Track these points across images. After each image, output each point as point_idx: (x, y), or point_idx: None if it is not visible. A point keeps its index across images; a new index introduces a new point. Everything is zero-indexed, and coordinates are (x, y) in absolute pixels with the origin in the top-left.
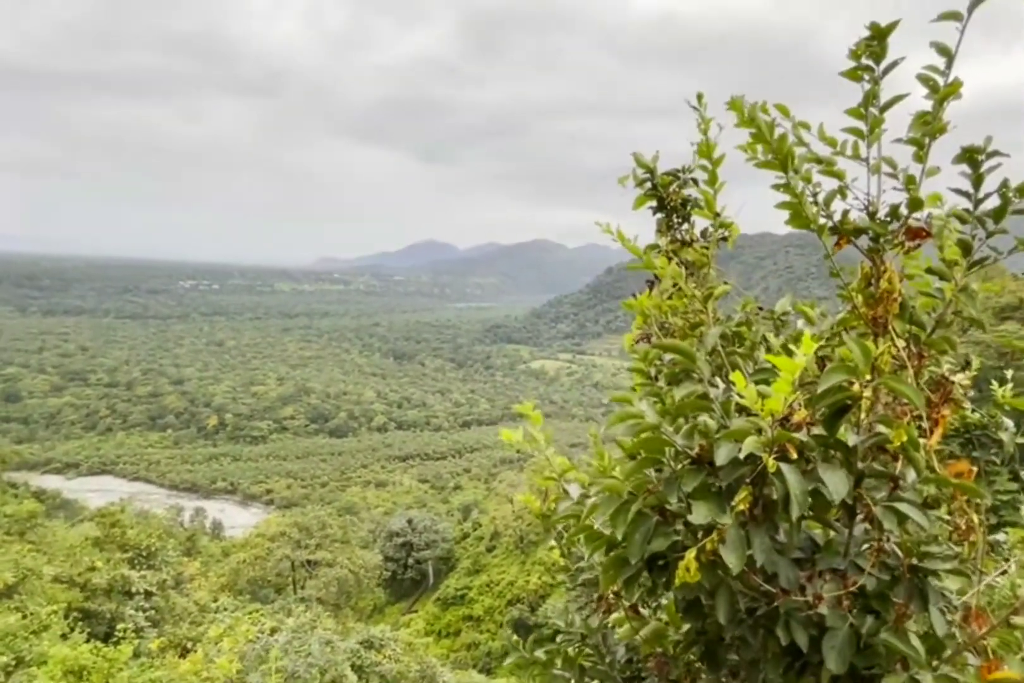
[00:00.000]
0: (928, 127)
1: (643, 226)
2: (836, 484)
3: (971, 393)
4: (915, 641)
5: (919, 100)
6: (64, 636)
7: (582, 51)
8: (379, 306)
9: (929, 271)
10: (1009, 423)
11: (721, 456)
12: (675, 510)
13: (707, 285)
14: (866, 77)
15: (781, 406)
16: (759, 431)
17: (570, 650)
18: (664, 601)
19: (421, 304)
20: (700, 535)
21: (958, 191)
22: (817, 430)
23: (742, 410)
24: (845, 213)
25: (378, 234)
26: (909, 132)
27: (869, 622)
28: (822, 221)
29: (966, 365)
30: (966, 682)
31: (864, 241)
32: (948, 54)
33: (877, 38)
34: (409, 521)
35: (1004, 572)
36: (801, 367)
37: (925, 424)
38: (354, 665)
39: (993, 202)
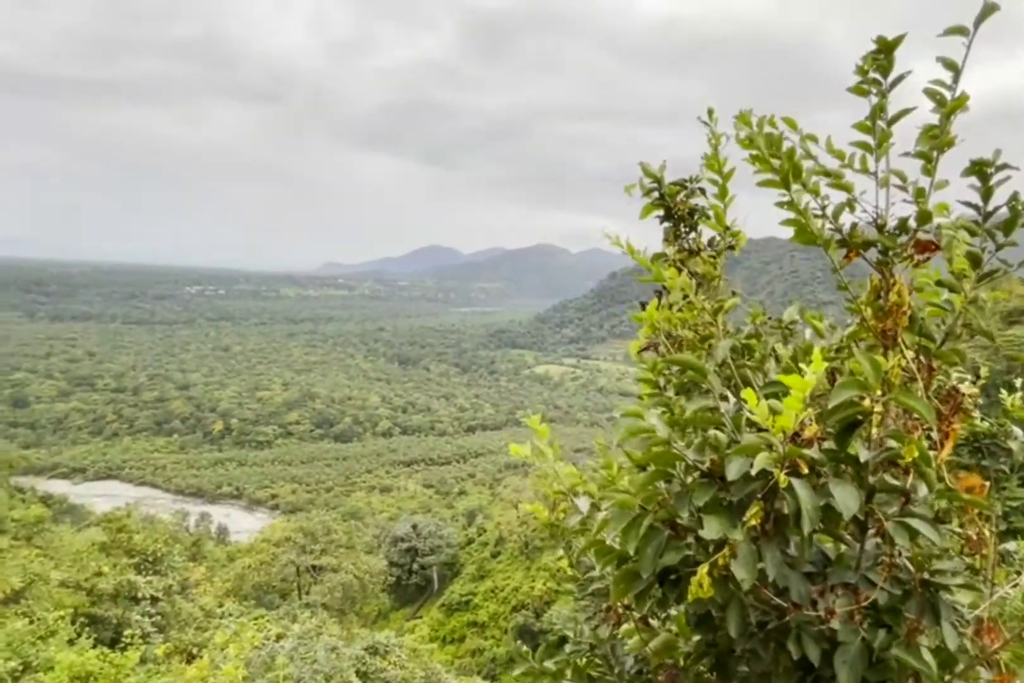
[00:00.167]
0: (936, 141)
1: (647, 230)
2: (847, 500)
3: (980, 400)
4: (927, 656)
5: (925, 102)
6: (71, 641)
7: (584, 54)
8: (384, 311)
9: (939, 283)
10: (1019, 432)
11: (732, 471)
12: (686, 524)
13: (717, 298)
14: (873, 91)
15: (792, 423)
16: (770, 447)
17: (579, 661)
18: (673, 612)
19: (425, 309)
20: (711, 549)
21: (967, 204)
22: (828, 444)
23: (752, 424)
24: (854, 226)
25: (382, 239)
26: (917, 145)
27: (881, 636)
28: (829, 235)
29: (976, 377)
30: None
31: (873, 254)
32: (955, 68)
33: (884, 52)
34: (414, 526)
35: (1015, 584)
36: (812, 386)
37: (935, 435)
38: (359, 671)
39: (1003, 214)
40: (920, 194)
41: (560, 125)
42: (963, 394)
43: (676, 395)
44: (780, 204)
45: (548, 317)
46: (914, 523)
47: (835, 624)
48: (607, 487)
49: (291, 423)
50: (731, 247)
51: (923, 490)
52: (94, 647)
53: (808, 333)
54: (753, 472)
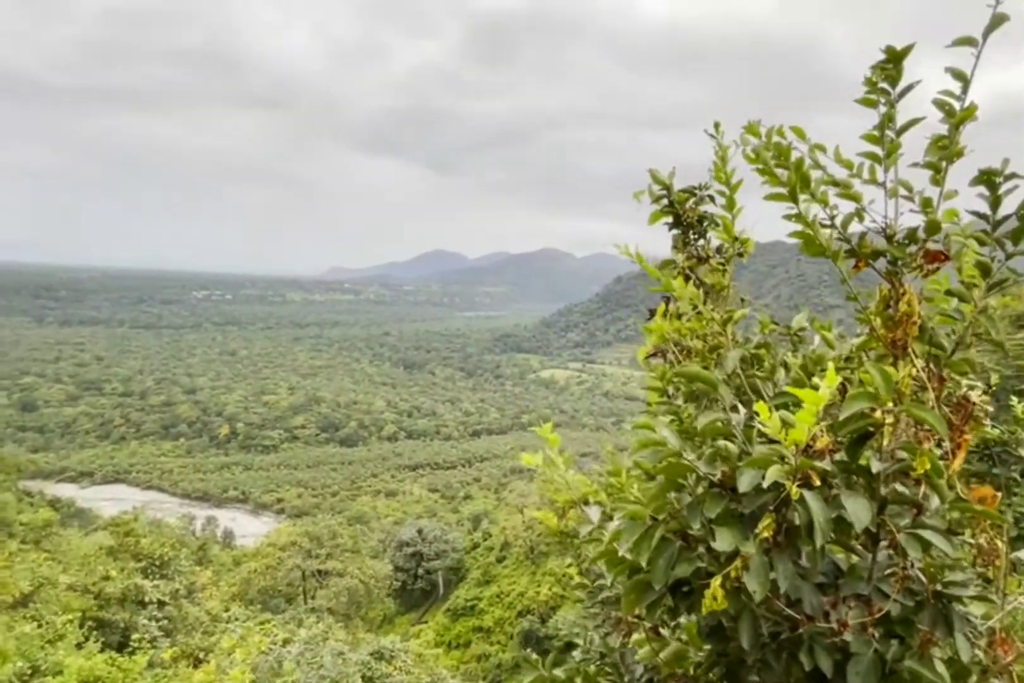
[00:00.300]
0: (945, 151)
1: (652, 233)
2: (859, 512)
3: (991, 408)
4: (940, 667)
5: (932, 109)
6: (79, 645)
7: (587, 59)
8: (389, 315)
9: (948, 292)
10: None
11: (744, 483)
12: (698, 535)
13: (726, 308)
14: (882, 101)
15: (805, 436)
16: (782, 458)
17: (589, 669)
18: (683, 620)
19: (431, 313)
20: (723, 561)
21: (976, 213)
22: (839, 456)
23: (763, 436)
24: (863, 236)
25: (387, 244)
26: (926, 156)
27: (894, 648)
28: (838, 246)
29: (988, 386)
30: None
31: (882, 263)
32: (964, 79)
33: (892, 61)
34: (419, 531)
35: None
36: (825, 401)
37: (947, 445)
38: (365, 677)
39: (1012, 224)
40: (928, 204)
41: (564, 130)
42: (974, 403)
43: (684, 403)
44: (788, 216)
45: (553, 321)
46: (926, 534)
47: (847, 635)
48: (617, 496)
49: (297, 427)
50: (739, 254)
51: (935, 501)
52: (102, 651)
53: (816, 339)
54: (765, 484)
